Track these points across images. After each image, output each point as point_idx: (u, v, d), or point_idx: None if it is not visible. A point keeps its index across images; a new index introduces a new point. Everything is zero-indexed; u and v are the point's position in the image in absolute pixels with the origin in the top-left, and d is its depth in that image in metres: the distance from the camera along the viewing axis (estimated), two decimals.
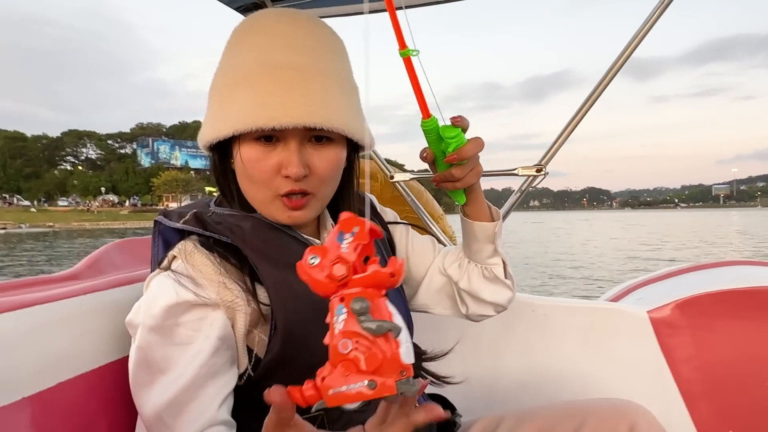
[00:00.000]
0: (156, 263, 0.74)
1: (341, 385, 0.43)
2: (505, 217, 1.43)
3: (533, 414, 0.95)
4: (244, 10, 1.41)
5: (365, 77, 0.67)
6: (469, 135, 0.75)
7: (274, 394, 0.46)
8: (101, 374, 0.75)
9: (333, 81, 0.73)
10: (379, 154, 1.50)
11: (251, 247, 0.72)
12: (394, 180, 1.48)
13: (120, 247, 1.04)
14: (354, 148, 0.82)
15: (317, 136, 0.73)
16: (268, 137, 0.72)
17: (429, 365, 0.90)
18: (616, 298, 1.50)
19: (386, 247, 0.92)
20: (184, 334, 0.67)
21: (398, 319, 0.44)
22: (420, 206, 1.50)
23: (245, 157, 0.72)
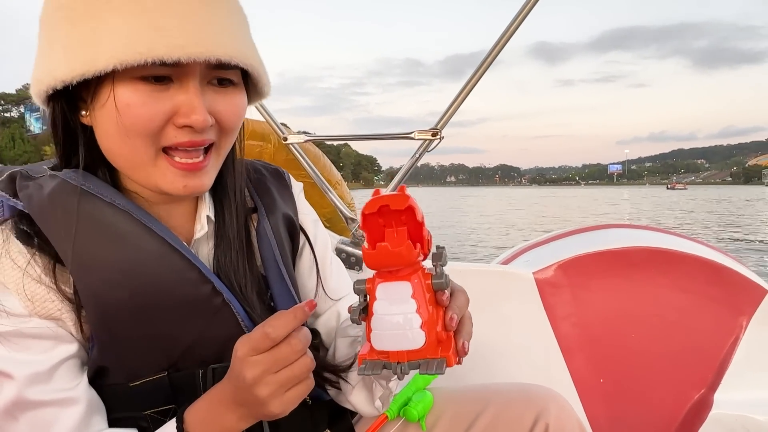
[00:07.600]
0: None
1: None
2: (401, 180, 1.42)
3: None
4: None
5: None
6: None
7: None
8: None
9: (235, 8, 0.59)
10: (272, 113, 1.41)
11: (46, 218, 0.56)
12: (288, 142, 1.40)
13: None
14: None
15: (220, 79, 0.59)
16: (159, 77, 0.55)
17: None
18: (507, 261, 1.56)
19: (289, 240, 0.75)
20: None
21: None
22: (317, 171, 1.44)
23: (124, 101, 0.54)
